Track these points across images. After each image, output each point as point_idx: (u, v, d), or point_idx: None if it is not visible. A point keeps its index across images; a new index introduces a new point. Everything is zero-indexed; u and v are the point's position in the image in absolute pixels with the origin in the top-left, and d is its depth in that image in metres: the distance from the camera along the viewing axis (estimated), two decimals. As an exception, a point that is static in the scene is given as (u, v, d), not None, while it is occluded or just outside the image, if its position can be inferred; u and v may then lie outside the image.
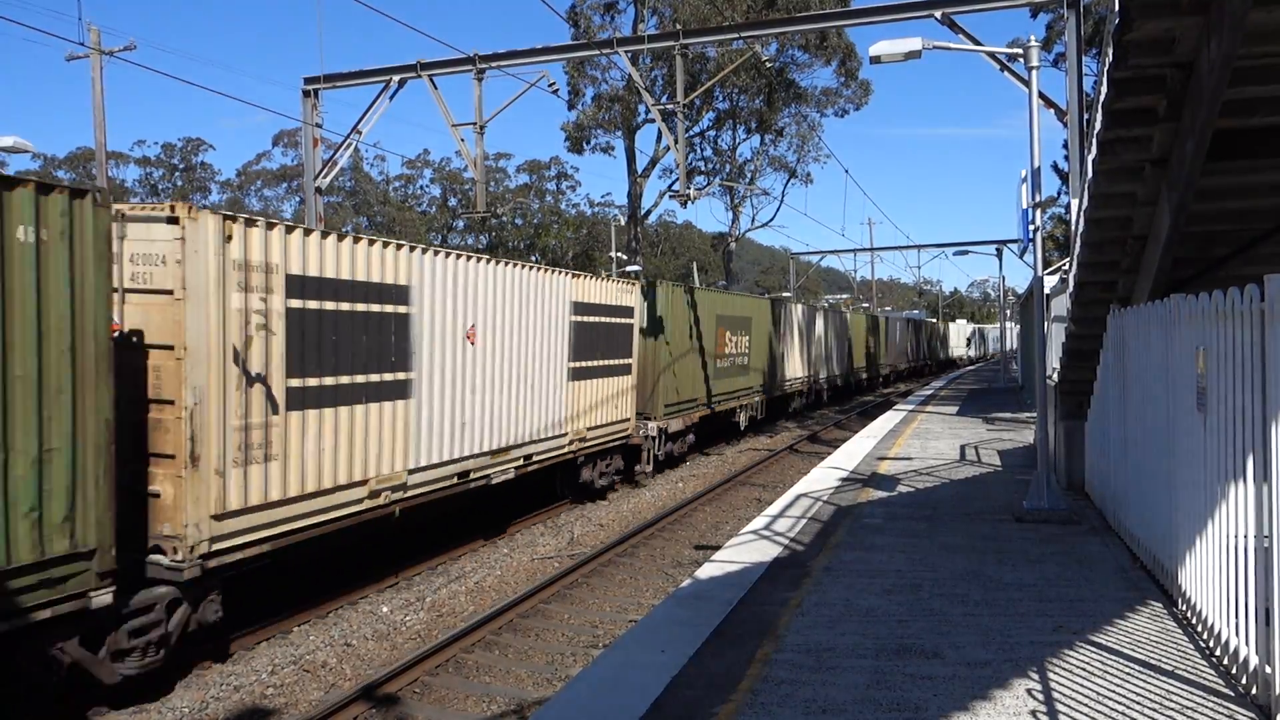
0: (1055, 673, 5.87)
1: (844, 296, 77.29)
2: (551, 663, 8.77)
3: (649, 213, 45.73)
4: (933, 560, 8.82)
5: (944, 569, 8.49)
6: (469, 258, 12.39)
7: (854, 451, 17.35)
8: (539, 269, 14.50)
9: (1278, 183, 8.09)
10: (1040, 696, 5.51)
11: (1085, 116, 13.84)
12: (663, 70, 38.80)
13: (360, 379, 10.21)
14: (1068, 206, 15.23)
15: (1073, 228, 11.19)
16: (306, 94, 20.49)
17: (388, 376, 10.63)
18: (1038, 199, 11.35)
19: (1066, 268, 13.27)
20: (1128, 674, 5.81)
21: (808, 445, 24.83)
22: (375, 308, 10.44)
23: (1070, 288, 11.24)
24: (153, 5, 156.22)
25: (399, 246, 10.93)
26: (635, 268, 39.40)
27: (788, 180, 50.56)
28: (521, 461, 13.68)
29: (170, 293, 8.10)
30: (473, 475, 12.42)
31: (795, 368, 31.67)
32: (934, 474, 14.30)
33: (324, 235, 9.74)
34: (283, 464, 9.07)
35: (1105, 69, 7.73)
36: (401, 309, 10.88)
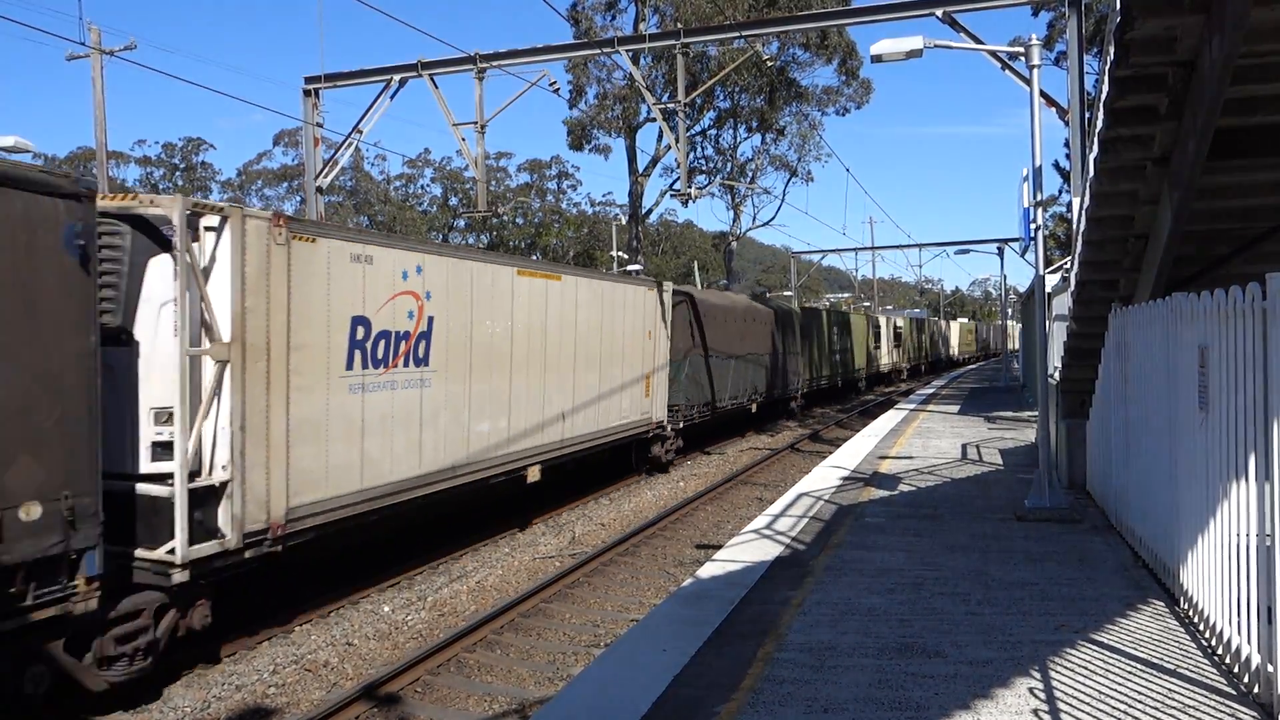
0: (1057, 671, 5.87)
1: (845, 295, 77.23)
2: (553, 662, 8.77)
3: (650, 212, 45.69)
4: (934, 559, 8.82)
5: (946, 568, 8.49)
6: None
7: (855, 450, 17.35)
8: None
9: (1279, 181, 8.08)
10: (1042, 695, 5.51)
11: (1087, 115, 13.83)
12: (664, 70, 38.77)
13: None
14: (1069, 205, 15.23)
15: (1074, 226, 11.18)
16: (307, 93, 20.50)
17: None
18: (1039, 198, 11.34)
19: (1068, 266, 13.26)
20: (1130, 672, 5.80)
21: (809, 444, 24.82)
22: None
23: (1072, 286, 11.24)
24: (153, 5, 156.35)
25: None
26: (636, 266, 39.38)
27: (789, 179, 50.47)
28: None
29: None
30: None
31: (884, 357, 51.63)
32: (935, 473, 14.29)
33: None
34: None
35: (1107, 67, 7.73)
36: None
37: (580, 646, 9.16)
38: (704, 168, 46.20)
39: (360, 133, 20.45)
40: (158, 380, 7.84)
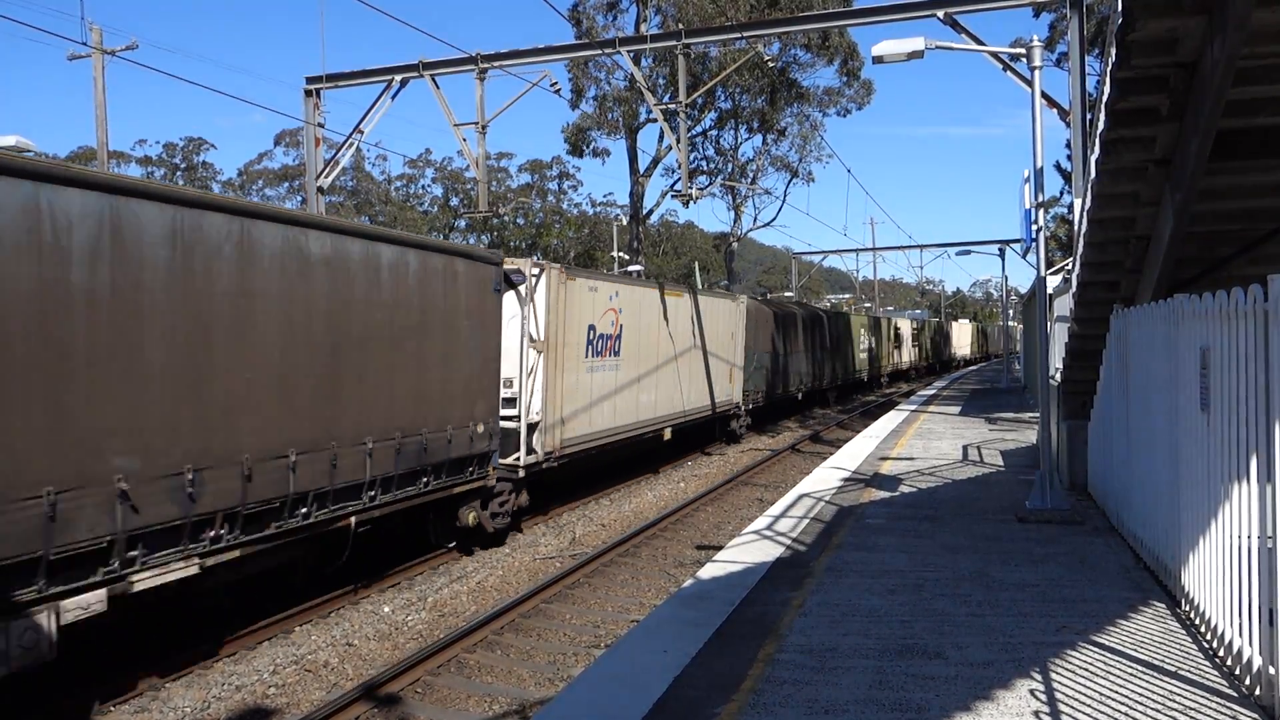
0: (1058, 673, 5.86)
1: (846, 296, 77.25)
2: (553, 662, 8.77)
3: (651, 212, 45.64)
4: (935, 560, 8.81)
5: (947, 569, 8.48)
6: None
7: (856, 451, 17.35)
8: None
9: (1281, 182, 8.07)
10: (1043, 697, 5.50)
11: (1088, 116, 13.82)
12: (665, 70, 38.76)
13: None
14: (1070, 206, 15.23)
15: (1076, 228, 11.18)
16: (309, 93, 20.51)
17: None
18: (1040, 199, 11.34)
19: (1069, 268, 13.26)
20: (1131, 674, 5.80)
21: (810, 445, 24.82)
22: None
23: (1073, 288, 11.23)
24: (154, 5, 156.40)
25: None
26: (637, 267, 39.36)
27: (790, 180, 50.32)
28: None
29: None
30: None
31: (898, 356, 55.61)
32: (936, 474, 14.29)
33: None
34: None
35: (1108, 69, 7.72)
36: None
37: (581, 647, 9.16)
38: (705, 168, 46.17)
39: (361, 133, 20.46)
40: (506, 362, 13.26)
